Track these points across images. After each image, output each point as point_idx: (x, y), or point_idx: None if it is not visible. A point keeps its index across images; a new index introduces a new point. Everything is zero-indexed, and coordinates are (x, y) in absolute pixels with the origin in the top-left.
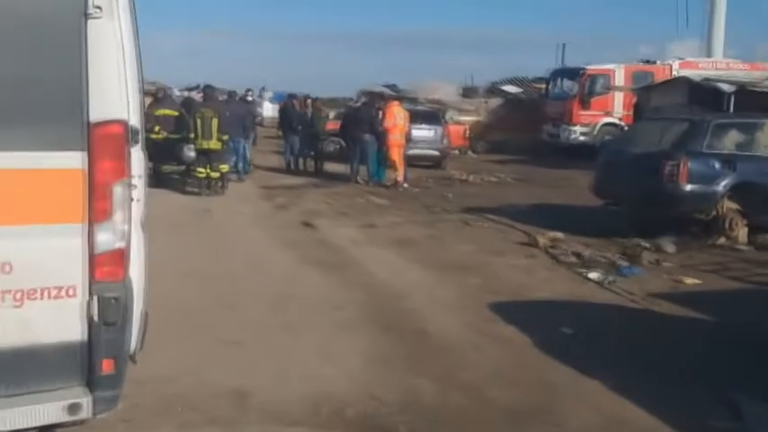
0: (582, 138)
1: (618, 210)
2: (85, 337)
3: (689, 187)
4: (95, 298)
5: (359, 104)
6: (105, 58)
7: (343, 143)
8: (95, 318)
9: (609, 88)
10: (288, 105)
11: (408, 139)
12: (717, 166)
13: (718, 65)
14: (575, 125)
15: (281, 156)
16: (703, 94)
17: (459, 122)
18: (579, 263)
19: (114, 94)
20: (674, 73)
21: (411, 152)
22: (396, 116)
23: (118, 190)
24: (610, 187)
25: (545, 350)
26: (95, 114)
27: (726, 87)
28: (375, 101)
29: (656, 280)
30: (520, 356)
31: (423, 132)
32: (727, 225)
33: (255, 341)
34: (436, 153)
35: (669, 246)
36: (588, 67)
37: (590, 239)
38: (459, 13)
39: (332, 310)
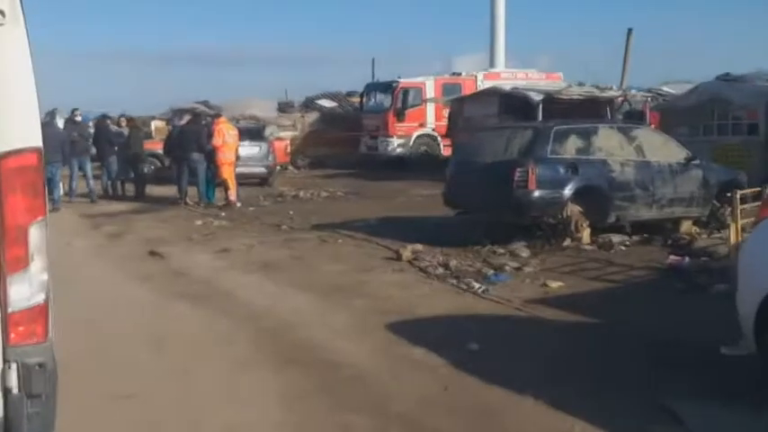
0: (399, 149)
1: (470, 218)
2: (1, 413)
3: (538, 193)
4: (14, 365)
5: (184, 122)
6: (12, 73)
7: (159, 163)
8: (15, 389)
9: (424, 100)
10: (102, 125)
11: (238, 156)
12: (561, 171)
13: (518, 75)
14: (392, 137)
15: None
16: (513, 104)
17: (280, 138)
18: (448, 274)
19: (25, 115)
20: (480, 84)
21: (237, 170)
22: (225, 134)
23: (35, 232)
24: (461, 197)
25: (462, 370)
26: (4, 142)
27: (534, 96)
28: (201, 118)
29: (523, 285)
30: (441, 379)
31: (248, 149)
32: (573, 227)
33: (151, 391)
34: (263, 170)
35: (523, 251)
36: (401, 80)
37: (448, 249)
38: (266, 30)
39: (222, 347)
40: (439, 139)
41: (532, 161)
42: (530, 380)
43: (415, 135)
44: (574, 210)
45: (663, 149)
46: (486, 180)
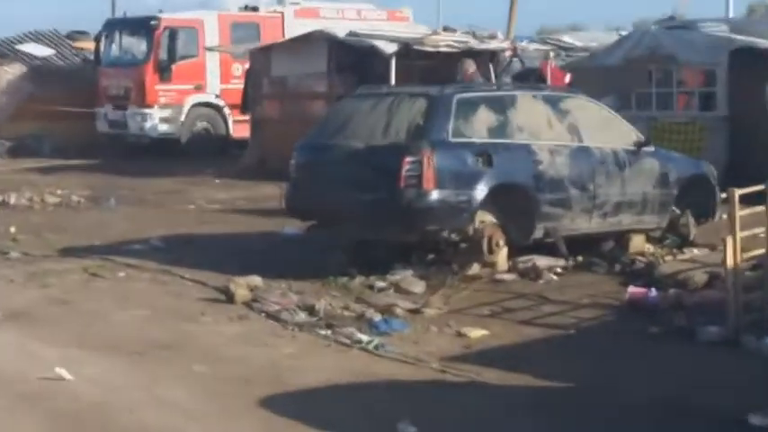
0: (164, 126)
1: (329, 235)
2: None
3: (437, 194)
4: None
5: None
6: None
7: None
8: None
9: (203, 49)
10: None
11: None
12: (469, 161)
13: (347, 13)
14: (151, 107)
15: None
16: (351, 57)
17: None
18: (317, 322)
19: None
20: (290, 25)
21: None
22: None
23: None
24: (313, 202)
25: None
26: None
27: (385, 47)
28: None
29: (430, 336)
30: None
31: None
32: (485, 247)
33: None
34: None
35: (414, 283)
36: (164, 15)
37: (299, 283)
38: None
39: None
40: (227, 110)
41: (428, 146)
42: None
43: (188, 104)
44: (486, 220)
45: (605, 129)
46: (356, 175)
